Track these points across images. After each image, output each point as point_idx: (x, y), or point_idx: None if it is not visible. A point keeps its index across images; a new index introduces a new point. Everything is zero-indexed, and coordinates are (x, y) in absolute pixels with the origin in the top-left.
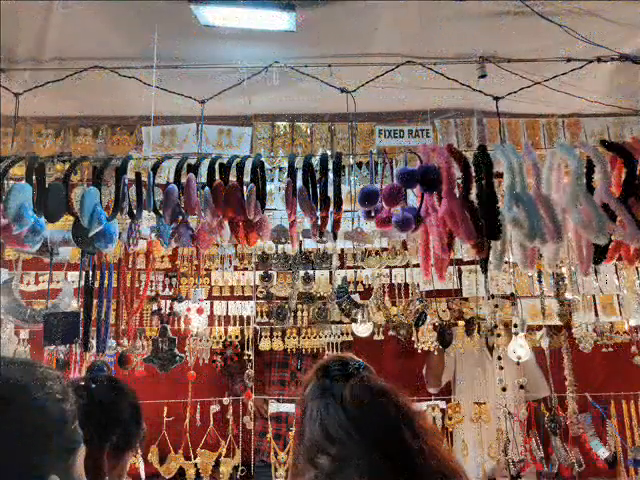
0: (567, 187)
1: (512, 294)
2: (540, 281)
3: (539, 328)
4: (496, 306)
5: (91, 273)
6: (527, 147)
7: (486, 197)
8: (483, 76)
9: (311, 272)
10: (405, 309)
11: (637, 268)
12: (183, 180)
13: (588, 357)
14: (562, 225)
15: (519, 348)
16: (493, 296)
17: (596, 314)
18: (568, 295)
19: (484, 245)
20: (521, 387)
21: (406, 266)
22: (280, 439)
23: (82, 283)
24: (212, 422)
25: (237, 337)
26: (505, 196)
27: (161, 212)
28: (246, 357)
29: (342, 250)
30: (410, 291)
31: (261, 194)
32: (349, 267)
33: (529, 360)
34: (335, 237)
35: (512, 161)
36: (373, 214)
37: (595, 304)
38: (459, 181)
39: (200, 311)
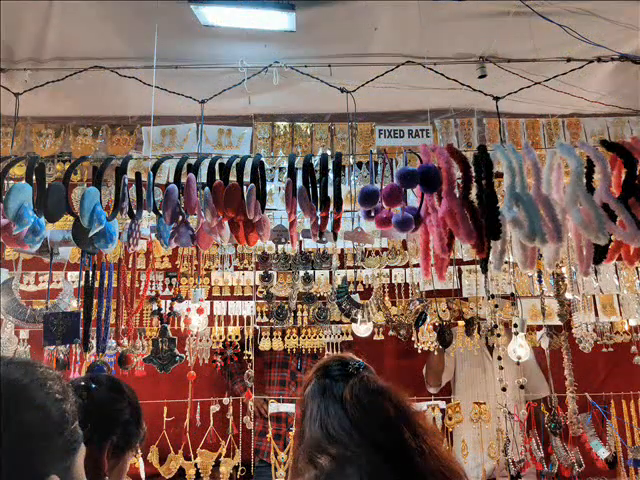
0: (567, 187)
1: (512, 294)
2: (540, 281)
3: (539, 328)
4: (496, 306)
5: (91, 273)
6: (527, 147)
7: (486, 197)
8: (483, 76)
9: (311, 272)
10: (405, 309)
11: (637, 268)
12: (183, 180)
13: (588, 357)
14: (562, 225)
15: (519, 348)
16: (493, 296)
17: (596, 314)
18: (568, 295)
19: (484, 245)
20: (521, 387)
21: (406, 266)
22: (280, 439)
23: (82, 283)
24: (212, 422)
25: (237, 337)
26: (505, 196)
27: (161, 212)
28: (246, 357)
29: (342, 250)
30: (410, 291)
31: (261, 194)
32: (349, 267)
33: (529, 360)
34: (335, 237)
35: (512, 161)
36: (373, 214)
37: (595, 304)
38: (459, 181)
39: (200, 311)
